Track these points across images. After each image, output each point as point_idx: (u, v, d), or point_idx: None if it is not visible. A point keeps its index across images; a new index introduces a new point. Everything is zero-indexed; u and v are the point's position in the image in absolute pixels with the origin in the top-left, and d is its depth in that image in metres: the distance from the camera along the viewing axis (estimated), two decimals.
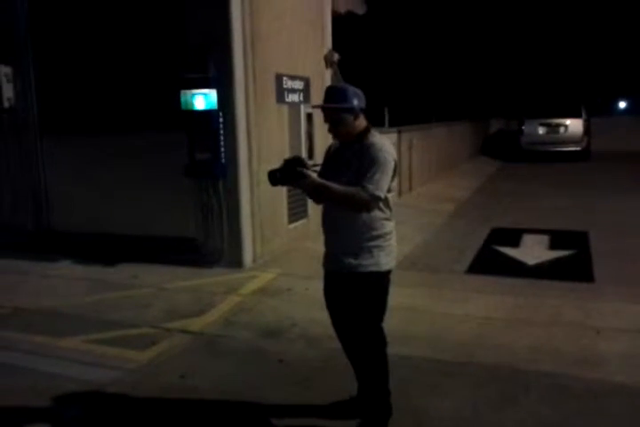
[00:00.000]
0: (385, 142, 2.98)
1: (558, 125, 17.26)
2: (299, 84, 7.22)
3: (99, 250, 6.74)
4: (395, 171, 2.93)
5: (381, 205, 2.93)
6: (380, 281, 3.02)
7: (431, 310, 4.97)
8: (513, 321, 4.69)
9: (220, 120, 6.01)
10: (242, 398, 3.52)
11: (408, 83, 16.93)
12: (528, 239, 7.40)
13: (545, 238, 7.40)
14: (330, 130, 3.03)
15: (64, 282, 5.95)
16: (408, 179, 11.26)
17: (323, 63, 8.10)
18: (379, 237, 2.95)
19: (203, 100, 5.93)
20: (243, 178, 6.15)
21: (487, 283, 5.68)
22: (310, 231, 7.08)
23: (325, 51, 8.15)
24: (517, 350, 4.13)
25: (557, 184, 12.36)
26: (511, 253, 6.80)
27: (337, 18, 8.66)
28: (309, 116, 7.34)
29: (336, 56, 8.27)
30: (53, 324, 4.79)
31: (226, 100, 5.99)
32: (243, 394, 3.57)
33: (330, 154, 3.19)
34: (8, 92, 7.08)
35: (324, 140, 7.84)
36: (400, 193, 10.67)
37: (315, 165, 3.10)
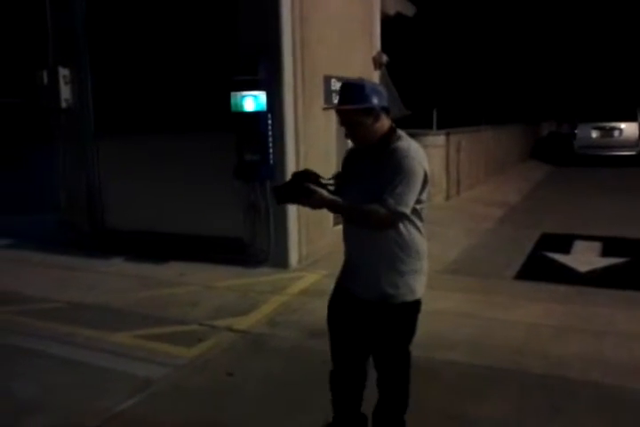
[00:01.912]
0: (412, 146, 2.55)
1: (612, 129, 16.80)
2: None
3: (149, 248, 6.90)
4: (425, 181, 2.52)
5: (414, 217, 2.56)
6: (416, 309, 2.69)
7: (478, 315, 4.89)
8: (562, 329, 4.58)
9: (269, 122, 6.07)
10: (286, 397, 3.55)
11: (458, 85, 16.74)
12: (579, 246, 7.21)
13: (597, 245, 7.20)
14: (347, 134, 2.64)
15: (116, 278, 6.12)
16: (456, 182, 11.13)
17: (371, 65, 8.09)
18: (415, 257, 2.61)
19: (252, 101, 6.01)
20: None
21: (536, 289, 5.57)
22: None
23: (374, 52, 8.15)
24: (566, 358, 4.03)
25: (611, 189, 12.00)
26: (562, 259, 6.64)
27: (386, 19, 8.65)
28: None
29: (385, 58, 8.26)
30: (105, 319, 4.94)
31: (275, 102, 6.05)
32: (287, 394, 3.60)
33: (348, 162, 2.77)
34: (66, 93, 7.32)
35: None
36: (448, 196, 10.56)
37: (332, 178, 2.70)
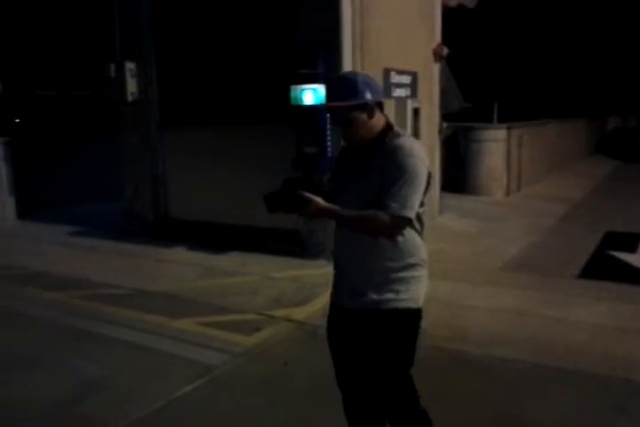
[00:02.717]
0: (414, 144, 2.29)
1: None
2: (406, 79, 7.18)
3: (210, 238, 7.07)
4: (428, 182, 2.28)
5: (415, 223, 2.31)
6: (417, 319, 2.40)
7: (540, 313, 4.79)
8: (627, 330, 4.44)
9: (328, 115, 6.08)
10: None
11: (520, 78, 16.35)
12: None
13: None
14: (341, 135, 2.44)
15: (179, 267, 6.31)
16: (517, 177, 10.89)
17: (431, 57, 8.01)
18: (416, 263, 2.34)
19: (311, 95, 6.03)
20: None
21: (601, 289, 5.40)
22: None
23: (434, 45, 8.05)
24: (630, 360, 3.91)
25: None
26: (627, 258, 6.42)
27: (447, 11, 8.54)
28: (416, 111, 7.28)
29: (445, 50, 8.15)
30: (168, 305, 5.10)
31: None
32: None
33: (340, 163, 2.52)
34: (132, 86, 7.56)
35: (431, 136, 7.75)
36: (508, 192, 10.35)
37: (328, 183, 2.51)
